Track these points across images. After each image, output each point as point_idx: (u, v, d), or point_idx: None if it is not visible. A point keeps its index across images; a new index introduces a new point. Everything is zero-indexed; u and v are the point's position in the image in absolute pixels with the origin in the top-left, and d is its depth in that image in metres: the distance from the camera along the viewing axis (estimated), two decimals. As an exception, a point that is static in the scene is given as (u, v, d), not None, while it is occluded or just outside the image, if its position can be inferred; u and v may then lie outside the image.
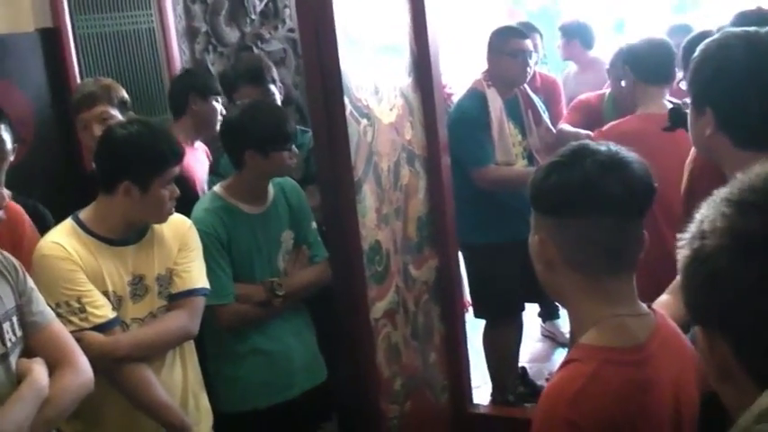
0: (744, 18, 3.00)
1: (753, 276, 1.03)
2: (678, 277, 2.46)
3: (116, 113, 3.41)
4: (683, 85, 2.29)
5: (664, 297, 2.39)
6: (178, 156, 2.72)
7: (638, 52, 4.07)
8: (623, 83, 4.21)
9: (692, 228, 1.12)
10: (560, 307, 5.67)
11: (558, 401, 1.56)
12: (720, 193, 1.12)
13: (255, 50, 4.78)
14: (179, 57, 4.63)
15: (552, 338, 5.88)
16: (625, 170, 1.61)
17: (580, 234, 1.62)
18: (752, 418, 0.95)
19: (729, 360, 1.07)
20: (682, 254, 1.14)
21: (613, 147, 1.66)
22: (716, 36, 2.17)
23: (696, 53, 2.18)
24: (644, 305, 1.73)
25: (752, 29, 2.12)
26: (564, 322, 5.73)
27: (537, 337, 5.93)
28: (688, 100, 2.26)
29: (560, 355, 5.50)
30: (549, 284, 1.75)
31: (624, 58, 4.16)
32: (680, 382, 1.69)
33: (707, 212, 1.10)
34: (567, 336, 5.45)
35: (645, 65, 3.98)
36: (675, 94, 4.03)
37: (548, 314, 5.83)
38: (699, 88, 2.16)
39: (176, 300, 2.77)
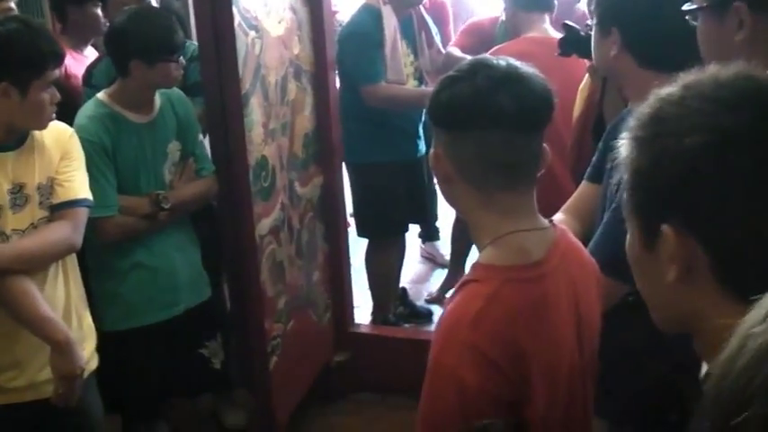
0: None
1: (740, 174, 1.02)
2: (572, 198, 2.50)
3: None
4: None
5: (558, 216, 2.41)
6: (58, 57, 2.58)
7: None
8: (503, 14, 4.27)
9: (641, 128, 1.11)
10: (440, 229, 5.75)
11: (459, 325, 1.54)
12: (677, 92, 1.10)
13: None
14: (54, -41, 4.42)
15: (432, 260, 5.93)
16: (519, 84, 1.57)
17: (473, 149, 1.59)
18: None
19: (695, 261, 1.07)
20: (630, 155, 1.12)
21: (512, 61, 1.63)
22: None
23: None
24: (544, 219, 1.72)
25: None
26: (443, 244, 5.78)
27: (417, 258, 5.97)
28: (589, 22, 2.26)
29: (440, 276, 5.56)
30: (449, 199, 1.74)
31: None
32: (581, 297, 1.69)
33: (669, 110, 1.09)
34: (447, 258, 5.52)
35: None
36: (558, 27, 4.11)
37: (428, 235, 5.87)
38: (605, 8, 2.15)
39: (58, 210, 2.64)
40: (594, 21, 2.21)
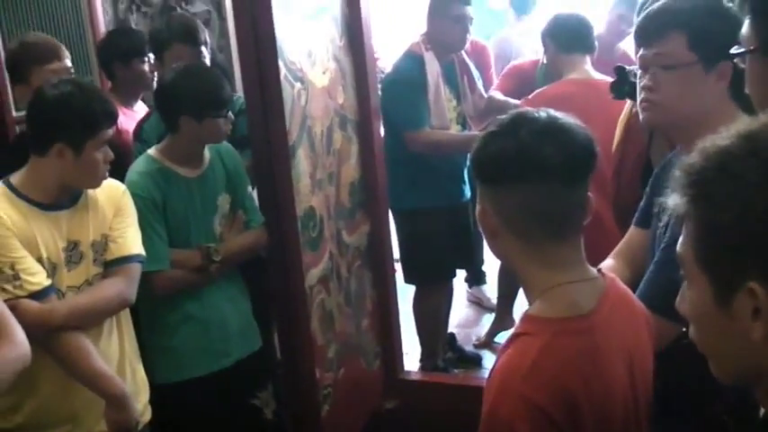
0: None
1: None
2: (621, 243, 2.49)
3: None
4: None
5: (608, 261, 2.40)
6: (112, 117, 2.63)
7: (555, 25, 4.25)
8: (544, 57, 4.30)
9: (707, 182, 1.11)
10: (486, 273, 5.74)
11: (512, 377, 1.54)
12: (741, 143, 1.11)
13: (179, 11, 4.67)
14: (102, 17, 4.53)
15: (479, 304, 5.92)
16: (563, 136, 1.59)
17: (519, 202, 1.60)
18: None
19: None
20: (695, 209, 1.12)
21: (552, 113, 1.64)
22: None
23: None
24: (592, 269, 1.72)
25: None
26: (489, 288, 5.77)
27: (464, 303, 5.95)
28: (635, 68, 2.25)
29: (487, 320, 5.54)
30: (497, 253, 1.75)
31: (543, 32, 4.29)
32: (633, 346, 1.69)
33: (740, 164, 1.08)
34: (493, 301, 5.51)
35: (563, 35, 4.14)
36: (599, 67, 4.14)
37: (474, 279, 5.86)
38: None
39: (112, 267, 2.69)
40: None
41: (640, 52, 2.22)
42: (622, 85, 2.93)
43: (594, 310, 1.63)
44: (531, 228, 1.62)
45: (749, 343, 1.08)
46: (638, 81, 2.25)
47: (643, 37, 2.20)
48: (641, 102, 2.23)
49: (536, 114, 1.62)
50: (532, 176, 1.57)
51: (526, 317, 1.66)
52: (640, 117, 2.28)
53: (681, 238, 1.18)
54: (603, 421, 1.56)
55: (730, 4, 2.13)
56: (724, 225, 1.08)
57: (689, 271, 1.17)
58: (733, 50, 1.68)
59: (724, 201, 1.08)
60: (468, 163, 4.65)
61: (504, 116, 1.68)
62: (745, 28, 1.64)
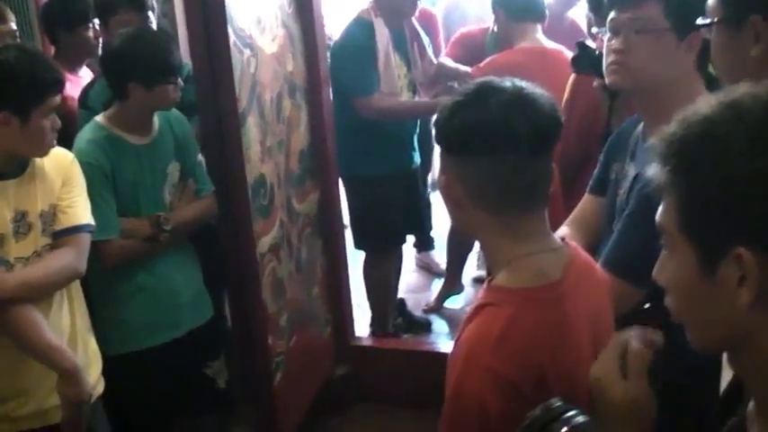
0: None
1: None
2: (576, 211, 2.51)
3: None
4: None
5: (563, 229, 2.42)
6: (58, 84, 2.58)
7: None
8: (494, 25, 4.31)
9: (688, 152, 1.12)
10: (435, 238, 5.75)
11: (479, 349, 1.54)
12: (721, 111, 1.11)
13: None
14: (44, -21, 4.42)
15: (428, 269, 5.93)
16: (530, 106, 1.58)
17: (487, 173, 1.59)
18: None
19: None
20: (679, 179, 1.12)
21: (518, 82, 1.63)
22: None
23: None
24: (557, 238, 1.73)
25: None
26: (438, 253, 5.78)
27: (413, 268, 5.96)
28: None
29: (436, 285, 5.56)
30: (460, 224, 1.73)
31: (494, 1, 4.30)
32: (596, 314, 1.70)
33: (722, 129, 1.09)
34: (442, 267, 5.53)
35: (515, 4, 4.17)
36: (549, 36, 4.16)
37: (423, 245, 5.87)
38: None
39: (61, 237, 2.63)
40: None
41: (612, 15, 2.21)
42: (583, 59, 2.96)
43: (561, 280, 1.64)
44: (498, 199, 1.61)
45: (733, 310, 1.09)
46: (605, 44, 2.26)
47: (618, 1, 2.20)
48: (609, 64, 2.23)
49: (502, 84, 1.61)
50: (502, 147, 1.56)
51: (491, 287, 1.65)
52: (607, 79, 2.29)
53: (661, 208, 1.17)
54: (571, 391, 1.56)
55: None
56: (710, 191, 1.08)
57: (671, 241, 1.17)
58: (699, 21, 1.69)
59: (710, 167, 1.08)
60: (417, 129, 4.66)
61: (468, 86, 1.66)
62: None
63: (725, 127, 1.09)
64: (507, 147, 1.56)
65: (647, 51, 2.15)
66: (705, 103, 1.14)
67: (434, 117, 1.68)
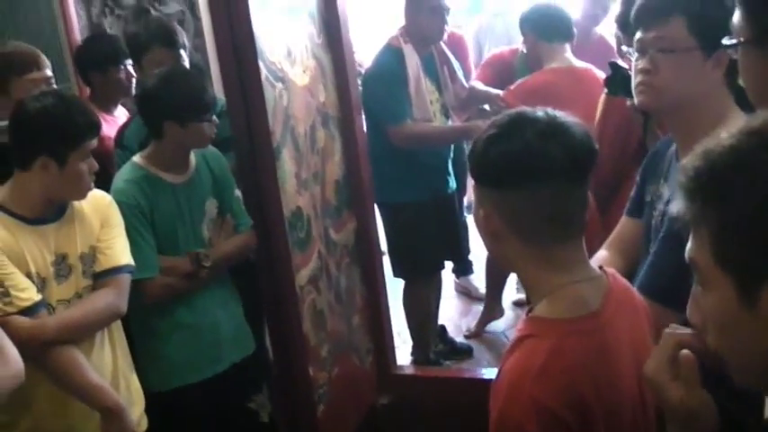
0: None
1: None
2: (614, 234, 2.49)
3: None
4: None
5: (602, 253, 2.40)
6: (95, 128, 2.61)
7: (534, 14, 4.27)
8: (523, 46, 4.31)
9: (721, 178, 1.10)
10: (473, 263, 5.73)
11: (522, 380, 1.52)
12: (749, 138, 1.10)
13: (153, 12, 4.62)
14: (76, 22, 4.47)
15: (467, 294, 5.90)
16: (565, 135, 1.57)
17: (526, 204, 1.58)
18: None
19: None
20: (712, 208, 1.11)
21: (551, 112, 1.62)
22: None
23: None
24: (595, 267, 1.71)
25: None
26: (477, 277, 5.76)
27: (452, 294, 5.93)
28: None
29: (477, 310, 5.53)
30: (498, 257, 1.73)
31: (522, 22, 4.30)
32: (638, 341, 1.68)
33: (756, 156, 1.08)
34: (482, 291, 5.50)
35: (543, 24, 4.16)
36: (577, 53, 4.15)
37: (462, 270, 5.85)
38: None
39: (102, 278, 2.67)
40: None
41: (638, 35, 2.19)
42: (616, 81, 2.94)
43: (601, 309, 1.62)
44: (537, 230, 1.60)
45: None
46: (633, 64, 2.24)
47: (642, 20, 2.17)
48: (637, 84, 2.20)
49: (535, 114, 1.60)
50: (540, 178, 1.55)
51: (531, 318, 1.64)
52: (636, 100, 2.26)
53: (691, 244, 1.15)
54: (614, 421, 1.55)
55: None
56: (746, 220, 1.07)
57: (706, 276, 1.14)
58: (725, 41, 1.66)
59: (744, 196, 1.06)
60: (451, 154, 4.65)
61: (501, 117, 1.65)
62: (737, 18, 1.62)
63: (753, 155, 1.08)
64: (544, 178, 1.56)
65: (672, 71, 2.12)
66: (727, 134, 1.12)
67: (468, 149, 1.68)
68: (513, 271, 1.71)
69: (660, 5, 2.13)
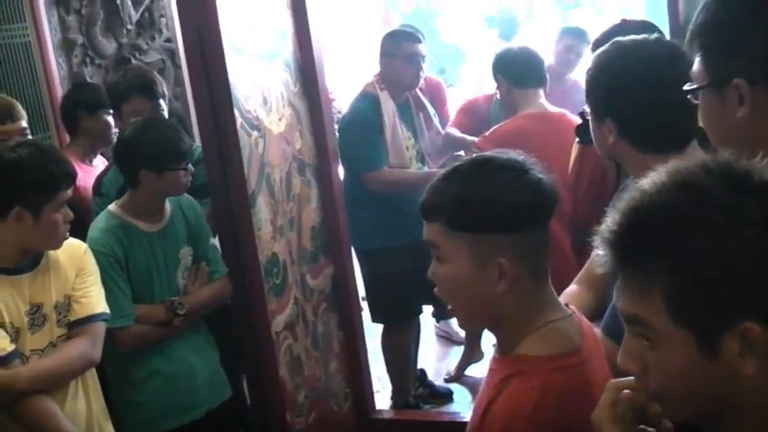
0: (626, 27, 3.07)
1: None
2: (584, 269, 2.52)
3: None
4: None
5: (572, 288, 2.43)
6: (69, 178, 2.63)
7: (506, 59, 4.24)
8: (497, 92, 4.32)
9: (674, 236, 1.12)
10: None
11: (516, 419, 1.55)
12: (686, 194, 1.13)
13: (134, 62, 4.68)
14: (57, 71, 4.52)
15: (447, 338, 5.91)
16: (536, 182, 1.62)
17: (508, 249, 1.60)
18: None
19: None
20: (671, 266, 1.12)
21: (515, 156, 1.66)
22: (609, 47, 2.20)
23: (591, 65, 2.21)
24: (565, 306, 1.74)
25: (640, 37, 2.17)
26: (457, 321, 5.74)
27: (432, 338, 5.94)
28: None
29: (456, 353, 5.53)
30: (474, 304, 1.70)
31: (494, 67, 4.27)
32: (605, 376, 1.71)
33: (705, 211, 1.10)
34: (462, 335, 5.50)
35: (515, 70, 4.14)
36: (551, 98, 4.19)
37: (441, 314, 5.85)
38: (597, 100, 2.18)
39: (76, 327, 2.68)
40: (589, 110, 2.24)
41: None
42: (587, 129, 2.99)
43: (581, 345, 1.66)
44: (520, 275, 1.62)
45: (734, 382, 1.10)
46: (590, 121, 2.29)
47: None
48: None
49: (499, 158, 1.65)
50: (521, 225, 1.60)
51: (517, 357, 1.65)
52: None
53: (632, 301, 1.17)
54: None
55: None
56: (706, 280, 1.09)
57: (659, 333, 1.16)
58: (686, 87, 1.71)
59: (700, 257, 1.09)
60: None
61: (468, 164, 1.67)
62: (696, 65, 1.67)
63: (694, 211, 1.10)
64: (531, 223, 1.61)
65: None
66: (650, 190, 1.15)
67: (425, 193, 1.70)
68: (491, 315, 1.69)
69: None
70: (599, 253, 1.21)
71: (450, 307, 1.76)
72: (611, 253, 1.17)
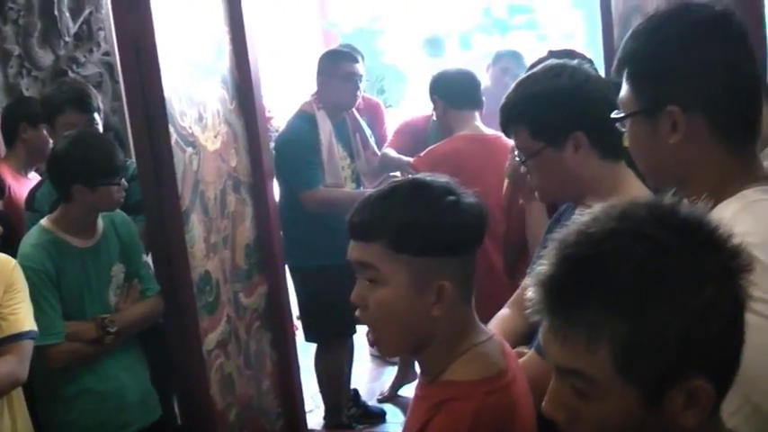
0: (553, 56, 3.10)
1: None
2: (516, 293, 2.54)
3: None
4: None
5: (504, 311, 2.44)
6: (0, 191, 2.59)
7: (443, 81, 4.27)
8: (434, 113, 4.33)
9: (620, 290, 1.07)
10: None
11: None
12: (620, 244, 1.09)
13: (71, 74, 4.63)
14: (-8, 82, 4.45)
15: (381, 358, 5.90)
16: (470, 206, 1.62)
17: (452, 273, 1.60)
18: None
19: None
20: (621, 320, 1.07)
21: (449, 180, 1.66)
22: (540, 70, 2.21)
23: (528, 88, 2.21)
24: (486, 328, 1.75)
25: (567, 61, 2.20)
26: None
27: (366, 358, 5.94)
28: None
29: (390, 373, 5.54)
30: (406, 334, 1.66)
31: (431, 88, 4.29)
32: (527, 395, 1.73)
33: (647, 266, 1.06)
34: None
35: (452, 92, 4.16)
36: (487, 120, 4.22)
37: (375, 334, 5.85)
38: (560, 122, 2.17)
39: (3, 345, 2.63)
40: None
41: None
42: None
43: (506, 367, 1.67)
44: (455, 297, 1.61)
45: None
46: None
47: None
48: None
49: (431, 181, 1.64)
50: (458, 248, 1.61)
51: (447, 383, 1.63)
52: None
53: (576, 356, 1.11)
54: None
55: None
56: (658, 338, 1.05)
57: (601, 386, 1.11)
58: (613, 115, 1.73)
59: (656, 310, 1.05)
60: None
61: (403, 184, 1.67)
62: (624, 92, 1.69)
63: (647, 262, 1.06)
64: (462, 246, 1.61)
65: (540, 174, 2.18)
66: (597, 236, 1.10)
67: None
68: (420, 339, 1.66)
69: (502, 119, 2.21)
70: (531, 297, 1.15)
71: (372, 335, 1.72)
72: (549, 301, 1.12)
